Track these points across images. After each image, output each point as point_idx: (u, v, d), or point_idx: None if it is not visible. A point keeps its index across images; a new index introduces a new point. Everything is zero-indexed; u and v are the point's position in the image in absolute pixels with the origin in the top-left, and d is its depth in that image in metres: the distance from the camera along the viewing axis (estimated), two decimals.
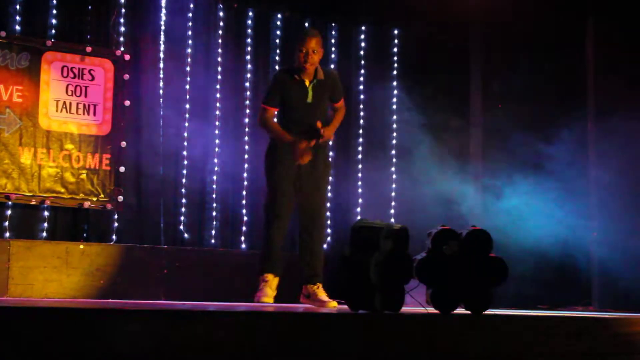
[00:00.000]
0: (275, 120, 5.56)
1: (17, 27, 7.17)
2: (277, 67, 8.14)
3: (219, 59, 7.91)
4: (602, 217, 7.37)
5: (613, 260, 7.07)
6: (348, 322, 3.66)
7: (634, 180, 6.99)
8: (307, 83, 5.44)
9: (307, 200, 5.50)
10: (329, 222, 8.15)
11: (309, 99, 5.44)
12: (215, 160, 7.79)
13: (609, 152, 7.24)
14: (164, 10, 7.72)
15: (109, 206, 7.30)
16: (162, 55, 7.67)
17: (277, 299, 5.50)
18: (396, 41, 8.66)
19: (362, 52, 8.50)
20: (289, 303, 5.80)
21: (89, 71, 7.37)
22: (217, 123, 7.84)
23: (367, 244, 4.18)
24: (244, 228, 7.86)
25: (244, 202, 7.88)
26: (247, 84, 8.02)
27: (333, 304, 5.26)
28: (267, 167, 5.55)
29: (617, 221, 7.13)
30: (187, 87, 7.72)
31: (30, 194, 7.06)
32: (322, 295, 5.40)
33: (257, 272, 5.46)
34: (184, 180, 7.66)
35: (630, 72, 7.15)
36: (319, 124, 5.36)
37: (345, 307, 4.30)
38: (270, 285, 5.37)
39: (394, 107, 8.55)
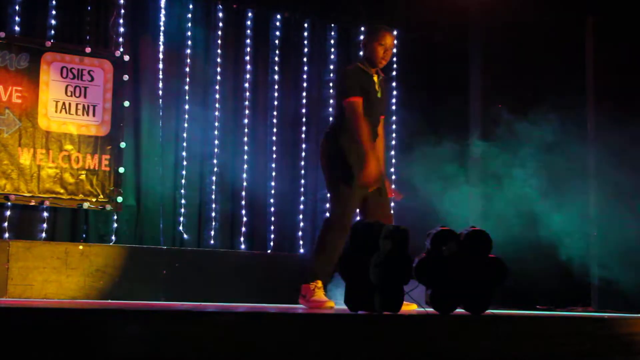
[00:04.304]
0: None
1: (17, 28, 7.17)
2: (276, 68, 8.15)
3: (219, 60, 7.91)
4: (601, 217, 7.36)
5: (613, 260, 7.06)
6: (347, 322, 3.66)
7: (634, 180, 6.99)
8: (375, 78, 5.41)
9: (381, 210, 5.36)
10: None
11: (379, 94, 5.41)
12: (215, 161, 7.79)
13: (609, 153, 7.23)
14: (163, 11, 7.72)
15: (108, 207, 7.30)
16: (161, 55, 7.68)
17: (277, 299, 5.51)
18: (396, 42, 8.66)
19: (361, 53, 8.48)
20: (288, 304, 5.81)
21: (89, 72, 7.37)
22: (216, 124, 7.84)
23: (366, 245, 4.18)
24: (243, 229, 7.86)
25: (243, 202, 7.88)
26: (247, 85, 8.02)
27: None
28: (341, 175, 5.26)
29: (617, 221, 7.12)
30: (187, 87, 7.73)
31: (30, 194, 7.06)
32: None
33: (309, 277, 5.21)
34: (183, 181, 7.66)
35: (631, 71, 7.14)
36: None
37: (344, 307, 4.30)
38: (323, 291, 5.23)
39: (394, 107, 8.55)
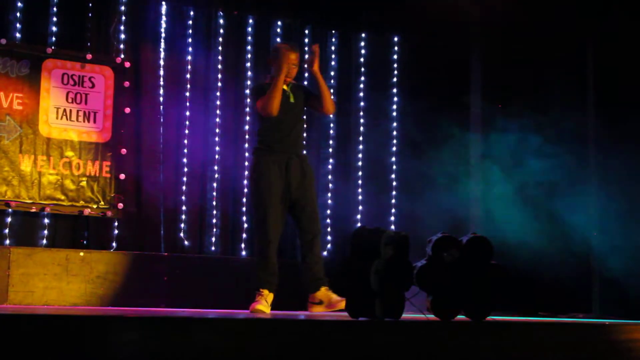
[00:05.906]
0: (259, 136, 5.79)
1: (18, 35, 7.18)
2: None
3: (219, 66, 7.91)
4: (603, 221, 7.35)
5: (614, 266, 7.05)
6: (348, 329, 3.65)
7: (635, 183, 6.98)
8: (285, 87, 5.78)
9: (303, 211, 5.69)
10: (328, 229, 8.15)
11: (292, 99, 5.80)
12: (216, 167, 7.79)
13: (611, 155, 7.23)
14: (164, 18, 7.73)
15: (109, 213, 7.30)
16: (162, 62, 7.68)
17: (277, 306, 5.51)
18: (396, 48, 8.68)
19: (362, 60, 8.50)
20: (288, 310, 5.81)
21: (89, 78, 7.38)
22: (217, 130, 7.84)
23: (367, 251, 4.18)
24: (244, 235, 7.85)
25: (244, 209, 7.88)
26: (247, 92, 8.02)
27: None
28: (255, 189, 5.68)
29: (618, 226, 7.11)
30: (187, 94, 7.73)
31: (31, 201, 7.06)
32: (333, 295, 5.58)
33: (254, 285, 5.57)
34: (184, 187, 7.65)
35: (631, 72, 7.13)
36: (315, 47, 5.78)
37: (345, 314, 4.30)
38: (266, 299, 5.46)
39: (394, 114, 8.55)
